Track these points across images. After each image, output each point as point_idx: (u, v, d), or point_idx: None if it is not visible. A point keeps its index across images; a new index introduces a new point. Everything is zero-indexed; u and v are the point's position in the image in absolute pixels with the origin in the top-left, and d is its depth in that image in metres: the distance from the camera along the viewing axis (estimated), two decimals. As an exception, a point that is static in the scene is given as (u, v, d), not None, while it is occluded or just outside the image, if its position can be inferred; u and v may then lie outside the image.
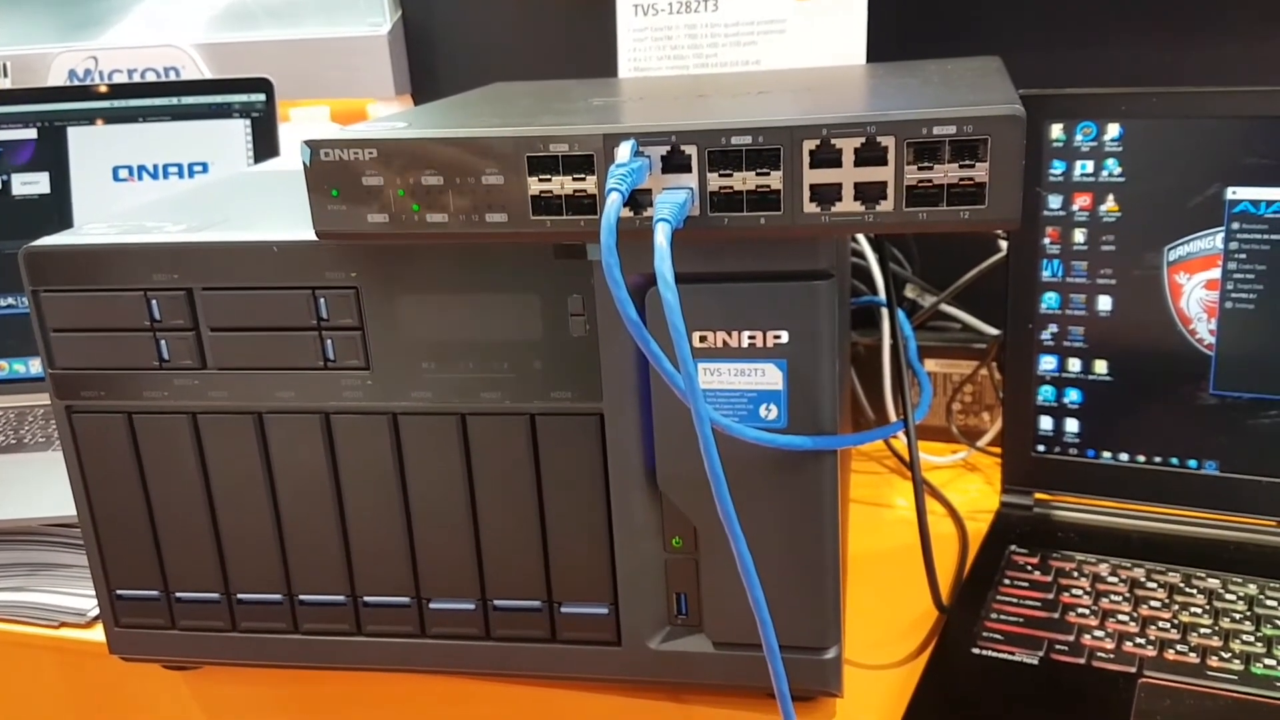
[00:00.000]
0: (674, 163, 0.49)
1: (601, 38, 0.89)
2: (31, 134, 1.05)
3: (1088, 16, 0.91)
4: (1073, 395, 0.76)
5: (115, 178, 1.05)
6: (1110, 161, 0.71)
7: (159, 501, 0.62)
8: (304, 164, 0.52)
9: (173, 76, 1.17)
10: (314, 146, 0.52)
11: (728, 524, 0.49)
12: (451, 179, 0.52)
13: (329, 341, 0.58)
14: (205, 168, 1.04)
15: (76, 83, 1.19)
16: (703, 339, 0.54)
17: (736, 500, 0.50)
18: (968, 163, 0.47)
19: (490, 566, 0.60)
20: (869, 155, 0.48)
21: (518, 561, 0.60)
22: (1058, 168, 0.72)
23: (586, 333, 0.56)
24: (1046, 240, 0.73)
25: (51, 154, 1.05)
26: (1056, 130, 0.71)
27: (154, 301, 0.59)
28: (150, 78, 1.18)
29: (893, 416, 0.92)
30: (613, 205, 0.47)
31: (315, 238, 0.54)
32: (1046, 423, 0.77)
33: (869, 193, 0.48)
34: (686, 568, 0.59)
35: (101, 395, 0.61)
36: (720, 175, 0.49)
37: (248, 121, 1.04)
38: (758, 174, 0.49)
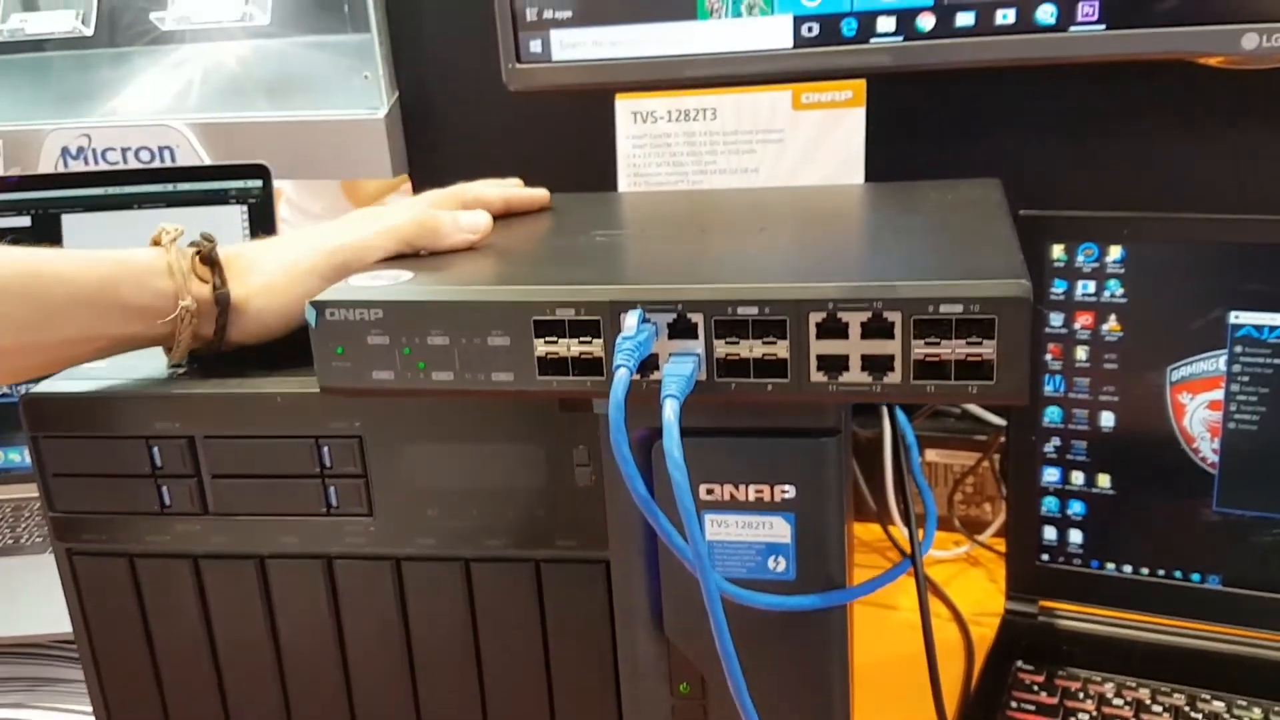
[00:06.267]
0: (680, 328, 0.49)
1: (599, 125, 0.88)
2: (25, 221, 1.04)
3: (1088, 123, 0.91)
4: (1076, 507, 0.76)
5: (111, 265, 1.04)
6: (1112, 282, 0.71)
7: (161, 643, 0.62)
8: (309, 324, 0.52)
9: (167, 155, 1.17)
10: (319, 307, 0.52)
11: (735, 689, 0.49)
12: (457, 339, 0.51)
13: (332, 489, 0.58)
14: (202, 257, 1.04)
15: (70, 160, 1.19)
16: (710, 491, 0.54)
17: (744, 656, 0.49)
18: (975, 339, 0.46)
19: (495, 712, 0.60)
20: (875, 328, 0.47)
21: (523, 707, 0.60)
22: (1059, 286, 0.72)
23: (592, 482, 0.56)
24: (1049, 356, 0.73)
25: (45, 241, 1.04)
26: (1058, 250, 0.71)
27: (155, 449, 0.58)
28: (144, 156, 1.17)
29: (895, 515, 0.92)
30: (621, 380, 0.47)
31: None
32: (1050, 533, 0.77)
33: (876, 364, 0.48)
34: (694, 714, 0.58)
35: (102, 539, 0.61)
36: (727, 343, 0.49)
37: (245, 208, 1.04)
38: (764, 343, 0.49)
